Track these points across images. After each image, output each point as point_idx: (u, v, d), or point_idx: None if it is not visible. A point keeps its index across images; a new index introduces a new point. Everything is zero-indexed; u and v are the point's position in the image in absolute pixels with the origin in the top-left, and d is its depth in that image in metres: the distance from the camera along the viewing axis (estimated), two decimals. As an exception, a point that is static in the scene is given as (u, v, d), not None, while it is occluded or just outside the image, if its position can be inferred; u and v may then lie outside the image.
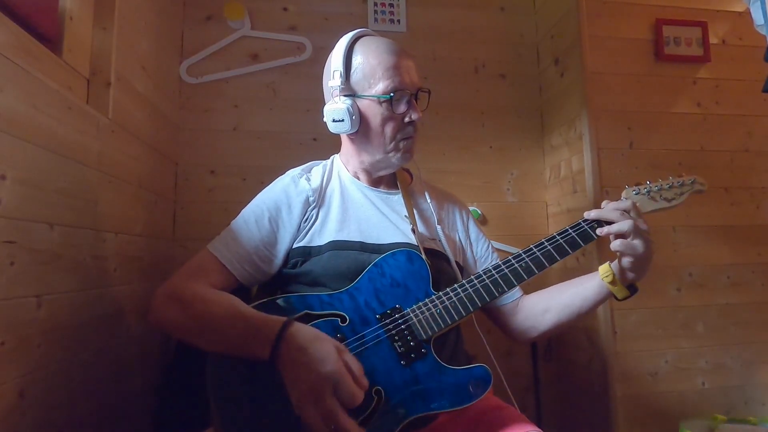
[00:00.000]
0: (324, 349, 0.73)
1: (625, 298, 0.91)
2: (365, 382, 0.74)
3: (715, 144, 1.63)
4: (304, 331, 0.76)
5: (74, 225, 0.97)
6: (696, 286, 1.56)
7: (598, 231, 0.87)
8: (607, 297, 0.93)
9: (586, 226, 0.88)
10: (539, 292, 1.03)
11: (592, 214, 0.88)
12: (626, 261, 0.87)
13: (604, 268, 0.91)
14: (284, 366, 0.74)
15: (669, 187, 0.92)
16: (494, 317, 1.06)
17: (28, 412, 0.82)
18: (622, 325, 1.48)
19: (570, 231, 0.89)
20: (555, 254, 0.87)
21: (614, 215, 0.86)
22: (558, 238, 0.88)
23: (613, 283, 0.89)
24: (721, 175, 1.62)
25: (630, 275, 0.89)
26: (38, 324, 0.85)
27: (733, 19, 1.71)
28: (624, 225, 0.84)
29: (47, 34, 0.96)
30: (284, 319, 0.77)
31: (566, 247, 0.87)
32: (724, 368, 1.53)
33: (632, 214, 0.87)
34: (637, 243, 0.84)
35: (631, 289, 0.91)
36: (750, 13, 1.25)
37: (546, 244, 0.88)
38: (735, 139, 1.65)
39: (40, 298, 0.86)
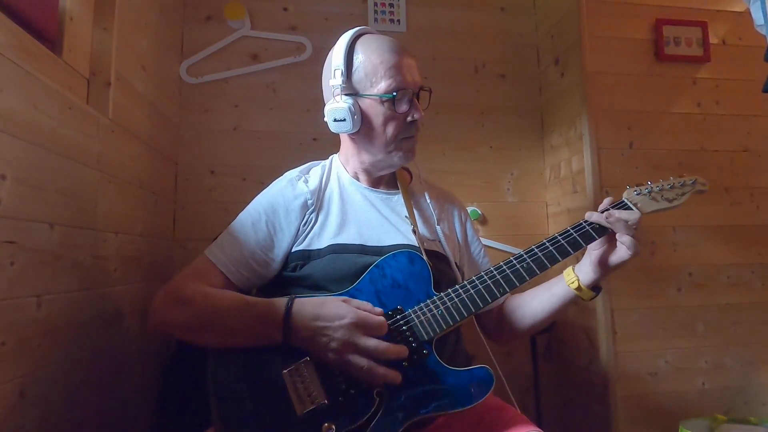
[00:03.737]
0: (333, 307, 0.79)
1: (591, 299, 0.93)
2: (379, 309, 0.82)
3: (715, 144, 1.63)
4: (308, 303, 0.80)
5: (74, 225, 0.97)
6: (696, 286, 1.56)
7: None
8: (575, 300, 0.94)
9: (588, 227, 0.88)
10: (515, 297, 1.04)
11: (594, 217, 0.88)
12: (615, 260, 0.88)
13: (569, 276, 0.93)
14: (305, 340, 0.78)
15: (670, 187, 0.92)
16: (478, 319, 1.06)
17: (28, 412, 0.82)
18: (622, 325, 1.48)
19: (572, 231, 0.88)
20: (557, 255, 0.87)
21: (611, 224, 0.86)
22: (559, 238, 0.88)
23: (578, 288, 0.91)
24: (721, 175, 1.62)
25: (598, 277, 0.90)
26: (38, 324, 0.85)
27: (733, 19, 1.71)
28: (626, 239, 0.84)
29: (47, 34, 0.96)
30: (285, 299, 0.80)
31: (568, 247, 0.87)
32: (724, 368, 1.53)
33: (633, 226, 0.85)
34: (630, 255, 0.85)
35: (596, 290, 0.92)
36: (750, 13, 1.25)
37: (547, 244, 0.88)
38: (735, 139, 1.65)
39: (40, 298, 0.85)
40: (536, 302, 0.98)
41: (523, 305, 1.01)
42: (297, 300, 0.81)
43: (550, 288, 0.97)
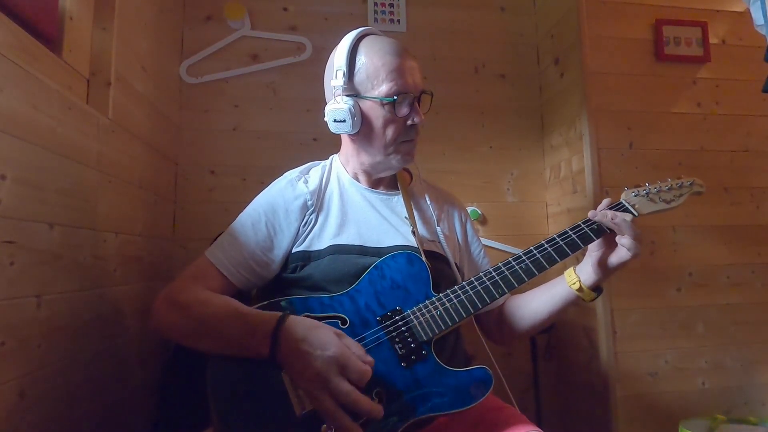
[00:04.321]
0: (323, 335, 0.74)
1: (592, 300, 0.93)
2: (370, 358, 0.75)
3: (715, 144, 1.63)
4: (301, 323, 0.77)
5: (74, 225, 0.97)
6: (696, 286, 1.56)
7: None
8: (576, 301, 0.94)
9: (586, 228, 0.88)
10: (516, 297, 1.04)
11: (597, 217, 0.88)
12: (615, 261, 0.88)
13: (570, 276, 0.93)
14: (287, 359, 0.74)
15: (668, 188, 0.92)
16: (478, 319, 1.06)
17: (28, 412, 0.82)
18: (622, 325, 1.48)
19: (570, 233, 0.89)
20: (555, 256, 0.87)
21: (615, 224, 0.86)
22: (558, 240, 0.88)
23: (580, 289, 0.91)
24: (721, 175, 1.62)
25: (599, 278, 0.90)
26: (38, 324, 0.85)
27: (733, 19, 1.71)
28: (634, 232, 0.84)
29: (47, 34, 0.96)
30: (279, 314, 0.78)
31: (566, 248, 0.87)
32: (724, 368, 1.53)
33: (631, 225, 0.86)
34: (630, 256, 0.85)
35: (597, 290, 0.92)
36: (750, 13, 1.25)
37: (546, 245, 0.88)
38: (735, 139, 1.65)
39: (40, 298, 0.85)
40: (537, 303, 0.98)
41: (524, 306, 1.01)
42: (290, 318, 0.77)
43: (550, 289, 0.97)
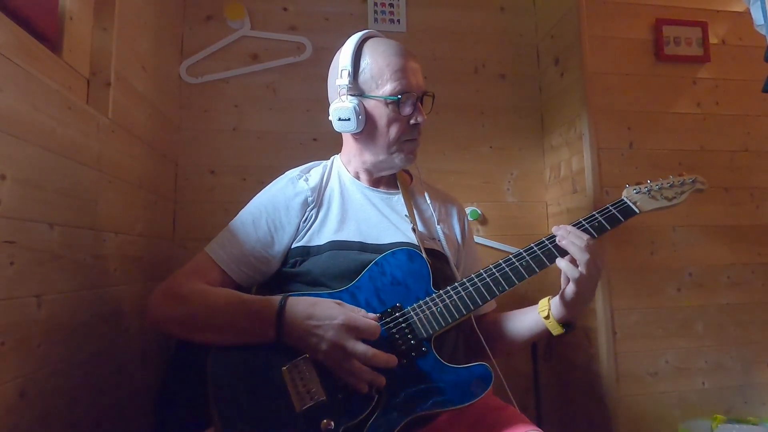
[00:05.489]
0: (326, 307, 0.79)
1: (559, 335, 0.90)
2: (373, 315, 0.82)
3: (715, 144, 1.63)
4: (302, 301, 0.80)
5: (74, 225, 0.97)
6: (696, 286, 1.55)
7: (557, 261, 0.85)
8: (544, 332, 0.92)
9: (587, 225, 0.89)
10: (500, 314, 1.04)
11: (560, 231, 0.86)
12: (569, 291, 0.86)
13: (543, 304, 0.92)
14: (297, 340, 0.78)
15: (669, 186, 0.92)
16: (477, 321, 1.06)
17: (28, 412, 0.82)
18: (622, 325, 1.48)
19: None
20: (555, 252, 0.87)
21: (572, 248, 0.83)
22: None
23: (547, 318, 0.90)
24: (721, 175, 1.62)
25: (566, 311, 0.88)
26: (38, 324, 0.85)
27: (733, 19, 1.71)
28: (584, 256, 0.82)
29: (47, 34, 0.96)
30: (279, 298, 0.81)
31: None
32: (724, 368, 1.53)
33: (590, 249, 0.82)
34: (586, 278, 0.82)
35: (567, 327, 0.90)
36: (750, 13, 1.25)
37: (546, 242, 0.88)
38: (735, 139, 1.65)
39: (40, 298, 0.85)
40: (512, 324, 0.98)
41: (502, 325, 1.00)
42: (290, 298, 0.81)
43: (525, 313, 0.97)
